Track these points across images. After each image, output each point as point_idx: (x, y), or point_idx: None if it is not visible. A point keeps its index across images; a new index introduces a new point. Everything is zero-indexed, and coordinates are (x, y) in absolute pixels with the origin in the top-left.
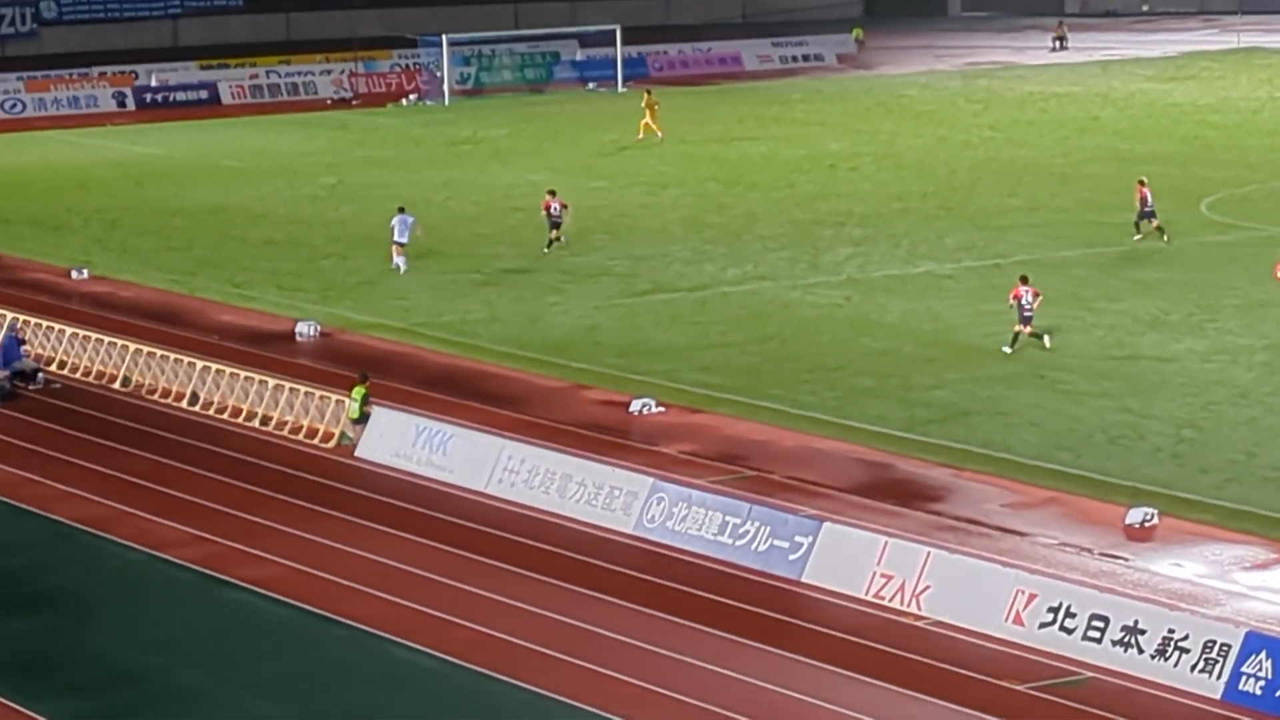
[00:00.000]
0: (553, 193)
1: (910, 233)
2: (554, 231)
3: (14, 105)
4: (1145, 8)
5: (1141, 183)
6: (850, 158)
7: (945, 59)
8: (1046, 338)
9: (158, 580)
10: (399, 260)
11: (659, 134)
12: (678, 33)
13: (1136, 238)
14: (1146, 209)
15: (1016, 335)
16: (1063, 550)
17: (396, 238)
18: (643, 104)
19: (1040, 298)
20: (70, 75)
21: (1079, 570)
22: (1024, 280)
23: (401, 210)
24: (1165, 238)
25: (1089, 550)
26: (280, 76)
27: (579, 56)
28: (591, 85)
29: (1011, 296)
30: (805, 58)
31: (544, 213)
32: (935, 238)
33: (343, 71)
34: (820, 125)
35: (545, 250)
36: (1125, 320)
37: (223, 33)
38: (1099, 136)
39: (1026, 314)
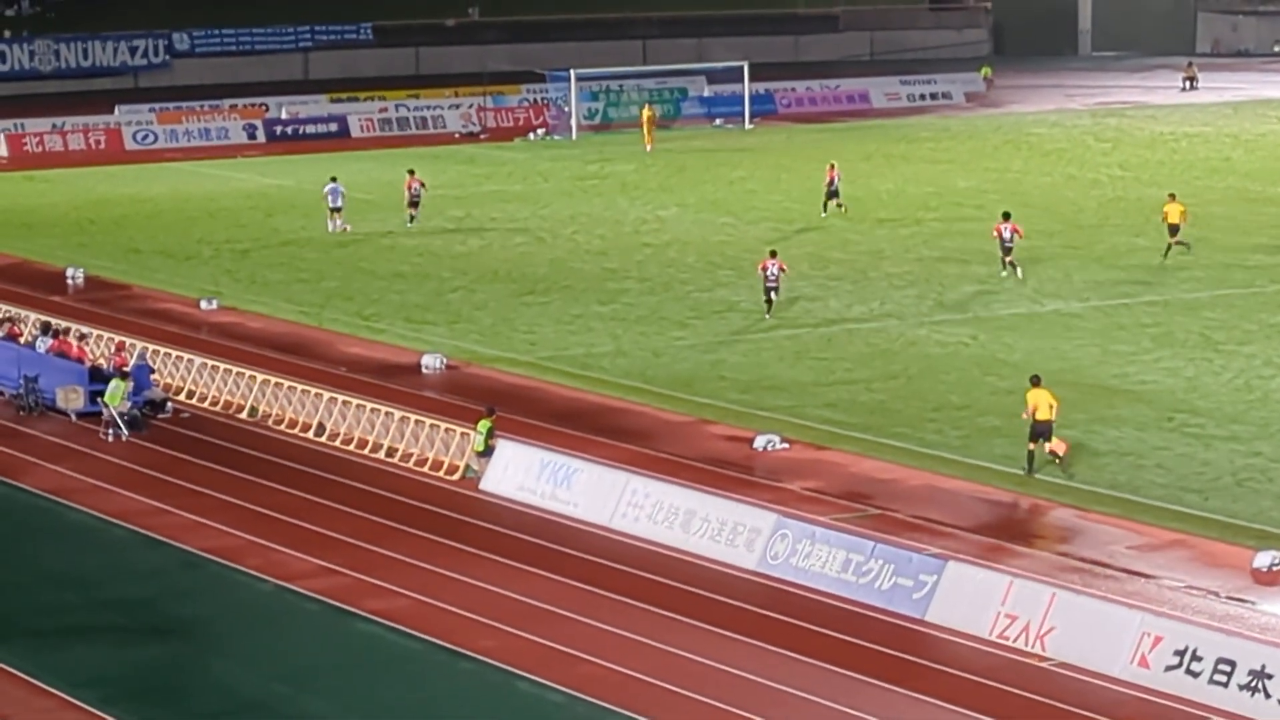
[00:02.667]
0: (412, 172)
1: (1037, 271)
2: (412, 209)
3: (146, 136)
4: (1277, 48)
5: (832, 166)
6: (977, 195)
7: (1075, 98)
8: (769, 313)
9: (285, 611)
10: (335, 223)
11: (648, 146)
12: (806, 70)
13: (823, 215)
14: (832, 189)
15: (769, 304)
16: (1189, 593)
17: (331, 204)
18: (643, 116)
19: (784, 271)
20: (202, 107)
21: (1205, 613)
22: (773, 254)
23: (334, 180)
24: (844, 209)
25: (1216, 593)
26: (409, 110)
27: (706, 93)
28: (719, 121)
29: (759, 268)
30: (933, 96)
31: (406, 191)
32: (1062, 276)
33: (471, 106)
34: (948, 163)
35: (409, 224)
36: (1256, 363)
37: (352, 66)
38: (1229, 178)
39: (770, 284)
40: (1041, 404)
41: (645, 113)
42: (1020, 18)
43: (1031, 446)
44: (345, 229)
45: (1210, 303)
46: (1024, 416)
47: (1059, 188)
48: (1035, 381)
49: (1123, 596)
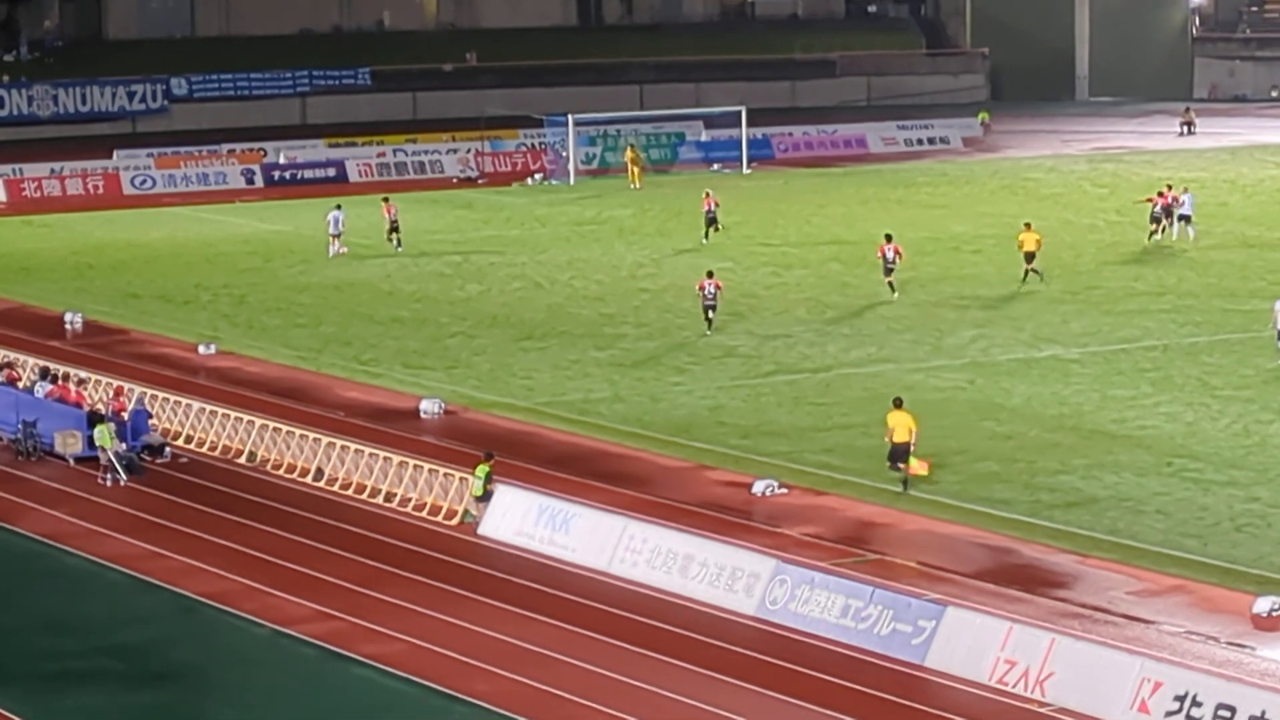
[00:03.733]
0: (386, 199)
1: (1034, 316)
2: (395, 234)
3: (144, 181)
4: (1275, 93)
5: (707, 195)
6: (974, 240)
7: (1072, 143)
8: (709, 329)
9: (281, 656)
10: (336, 248)
11: (636, 185)
12: (803, 115)
13: (705, 241)
14: (710, 215)
15: (709, 321)
16: (1189, 638)
17: (332, 230)
18: (627, 157)
19: (721, 289)
20: (200, 152)
21: (1205, 659)
22: (710, 275)
23: (338, 207)
24: (718, 230)
25: (1215, 639)
26: (407, 155)
27: (704, 137)
28: (716, 166)
29: (698, 287)
30: (930, 140)
31: (385, 217)
32: (1060, 321)
33: (469, 150)
34: (944, 208)
35: (398, 250)
36: (1254, 408)
37: (350, 111)
38: (1227, 222)
39: (708, 303)
40: (900, 427)
41: (629, 154)
42: (1017, 63)
43: (889, 466)
44: (342, 251)
45: (1209, 348)
46: (886, 440)
47: (1056, 232)
48: (897, 404)
49: (1122, 642)
